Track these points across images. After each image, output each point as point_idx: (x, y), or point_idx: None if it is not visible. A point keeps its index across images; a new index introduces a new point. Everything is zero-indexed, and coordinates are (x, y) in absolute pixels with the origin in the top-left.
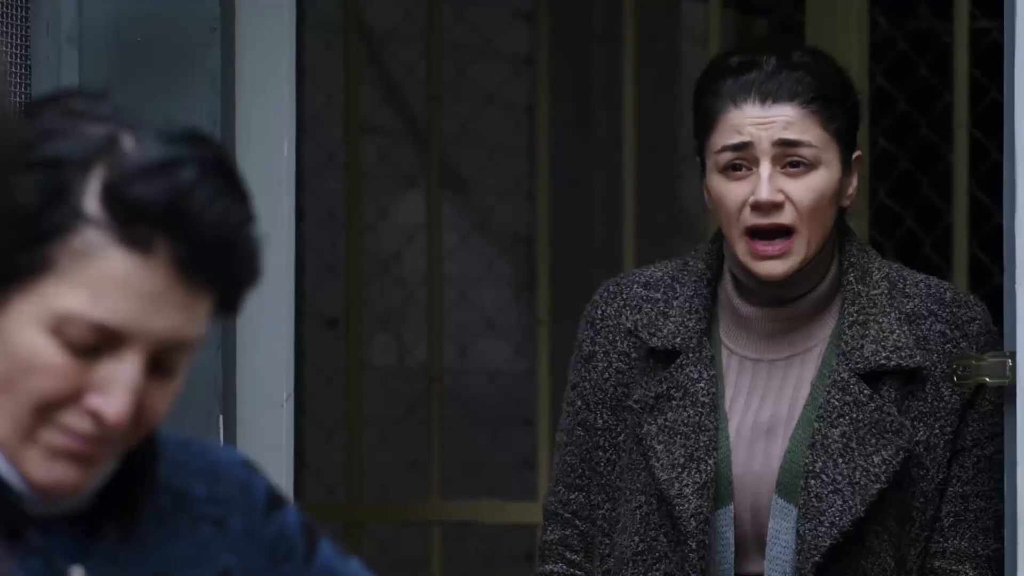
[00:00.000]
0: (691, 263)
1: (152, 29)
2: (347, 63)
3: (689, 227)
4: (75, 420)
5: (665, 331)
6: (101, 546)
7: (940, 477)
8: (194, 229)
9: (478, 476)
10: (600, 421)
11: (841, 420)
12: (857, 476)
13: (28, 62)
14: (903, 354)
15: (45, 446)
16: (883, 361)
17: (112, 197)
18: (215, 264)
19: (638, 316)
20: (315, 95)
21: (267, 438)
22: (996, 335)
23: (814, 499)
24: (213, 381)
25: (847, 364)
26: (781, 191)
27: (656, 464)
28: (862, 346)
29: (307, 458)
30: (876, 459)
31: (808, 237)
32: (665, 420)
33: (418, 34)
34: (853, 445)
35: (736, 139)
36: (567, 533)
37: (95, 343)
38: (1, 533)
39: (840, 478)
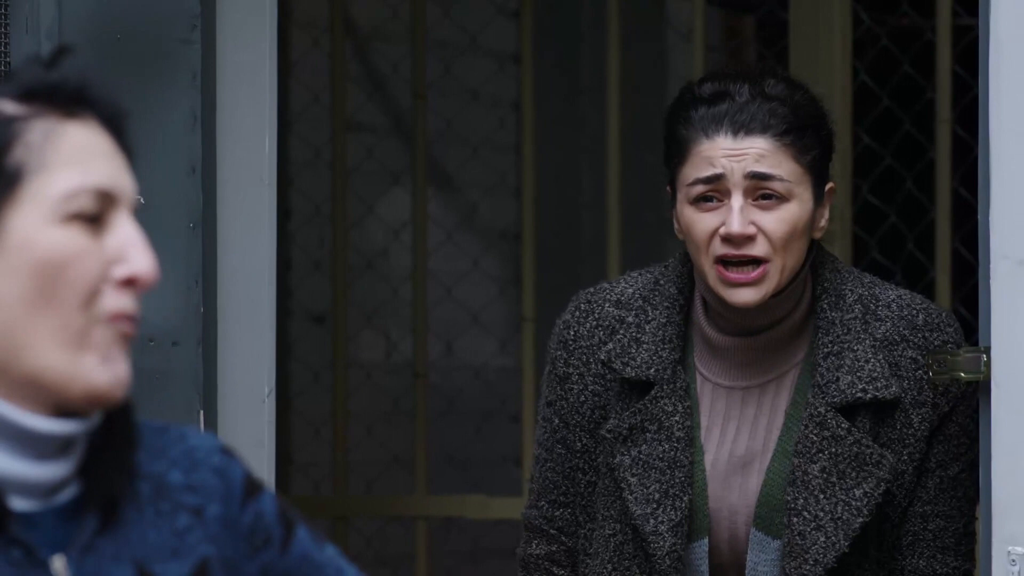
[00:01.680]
0: (663, 283)
1: (132, 26)
2: (333, 60)
3: None
4: (115, 301)
5: (639, 360)
6: (82, 536)
7: (906, 503)
8: (100, 93)
9: (463, 471)
10: (579, 444)
11: (820, 456)
12: (839, 511)
13: (8, 59)
14: (879, 385)
15: (100, 345)
16: (859, 394)
17: (30, 91)
18: (121, 123)
19: (611, 345)
20: (301, 92)
21: (249, 433)
22: None
23: (797, 537)
24: (194, 377)
25: (823, 398)
26: (753, 223)
27: (630, 497)
28: (837, 378)
29: (293, 453)
30: (857, 492)
31: (781, 266)
32: (639, 452)
33: (403, 31)
34: (834, 480)
35: (708, 171)
36: (553, 548)
37: (98, 212)
38: None
39: (822, 514)
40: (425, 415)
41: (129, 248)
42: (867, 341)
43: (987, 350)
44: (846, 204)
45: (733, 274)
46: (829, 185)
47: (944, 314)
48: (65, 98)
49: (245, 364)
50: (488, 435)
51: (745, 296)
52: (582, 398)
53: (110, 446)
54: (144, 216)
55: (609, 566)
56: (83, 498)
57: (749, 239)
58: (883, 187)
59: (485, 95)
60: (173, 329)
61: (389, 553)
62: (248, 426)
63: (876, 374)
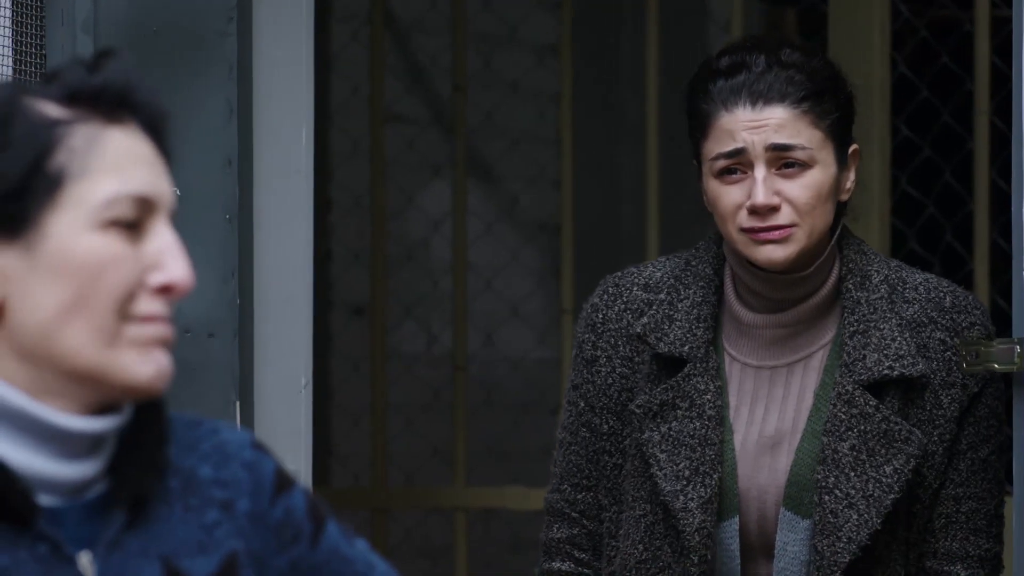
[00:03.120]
0: (695, 264)
1: (168, 18)
2: (373, 52)
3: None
4: (149, 306)
5: (672, 337)
6: (109, 532)
7: (937, 484)
8: (144, 97)
9: (502, 463)
10: (606, 426)
11: (850, 433)
12: (870, 488)
13: (43, 51)
14: (905, 362)
15: (136, 342)
16: (886, 371)
17: (75, 96)
18: (162, 128)
19: (644, 320)
20: (341, 84)
21: (286, 425)
22: (995, 336)
23: (829, 515)
24: (230, 368)
25: (851, 376)
26: (777, 193)
27: (659, 474)
28: (864, 356)
29: (334, 445)
30: (888, 469)
31: (808, 230)
32: (669, 429)
33: (443, 23)
34: (864, 457)
35: (730, 146)
36: (574, 532)
37: (135, 220)
38: (11, 521)
39: (854, 492)
40: (465, 407)
41: (166, 255)
42: (893, 320)
43: (1020, 341)
44: (884, 195)
45: (761, 234)
46: (853, 147)
47: (971, 296)
48: (109, 103)
49: (282, 355)
50: (527, 427)
51: (773, 253)
52: (609, 380)
53: (140, 444)
54: (180, 208)
55: (640, 546)
56: (111, 495)
57: (774, 209)
58: (922, 178)
59: (525, 87)
60: (209, 321)
61: (429, 544)
62: (285, 417)
63: (903, 352)
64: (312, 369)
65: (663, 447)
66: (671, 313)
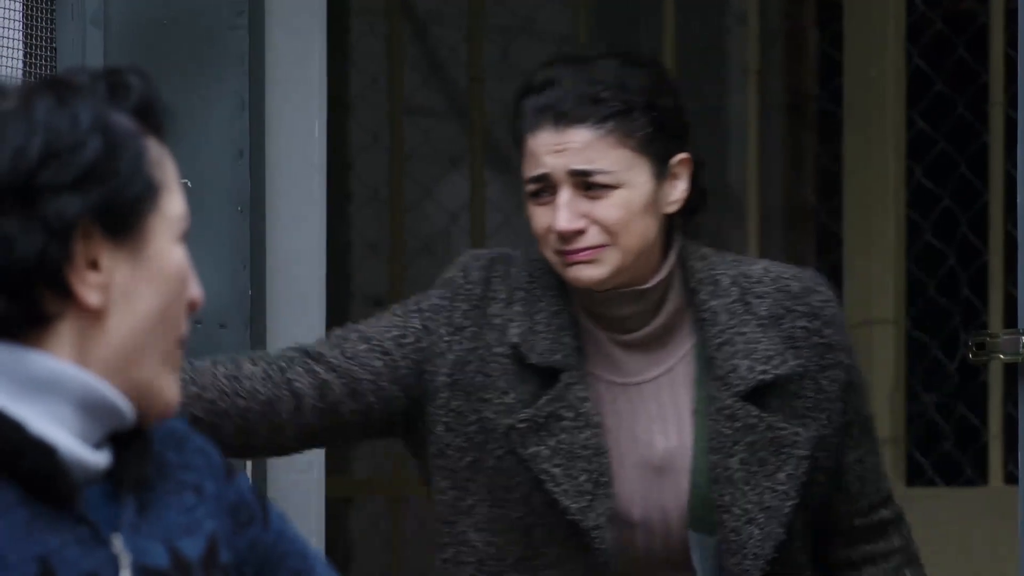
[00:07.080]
0: (539, 275)
1: (178, 11)
2: (391, 44)
3: (736, 207)
4: (185, 325)
5: (540, 348)
6: (127, 516)
7: (832, 463)
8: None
9: None
10: (384, 369)
11: (737, 448)
12: (767, 500)
13: (54, 45)
14: (776, 363)
15: (176, 365)
16: (760, 376)
17: (142, 109)
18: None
19: (513, 330)
20: (359, 77)
21: None
22: (840, 306)
23: (731, 534)
24: None
25: (727, 389)
26: (585, 215)
27: (558, 491)
28: (735, 367)
29: None
30: (781, 476)
31: (622, 249)
32: (558, 442)
33: (461, 15)
34: (755, 469)
35: (536, 170)
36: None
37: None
38: (53, 504)
39: (751, 507)
40: None
41: (191, 273)
42: (752, 322)
43: None
44: (900, 187)
45: (569, 256)
46: (679, 157)
47: (810, 273)
48: (159, 117)
49: None
50: None
51: (581, 273)
52: (438, 349)
53: (133, 432)
54: (192, 200)
55: (520, 545)
56: (115, 482)
57: (579, 232)
58: (937, 170)
59: None
60: (220, 311)
61: None
62: None
63: (771, 352)
64: None
65: (555, 461)
66: (532, 325)
